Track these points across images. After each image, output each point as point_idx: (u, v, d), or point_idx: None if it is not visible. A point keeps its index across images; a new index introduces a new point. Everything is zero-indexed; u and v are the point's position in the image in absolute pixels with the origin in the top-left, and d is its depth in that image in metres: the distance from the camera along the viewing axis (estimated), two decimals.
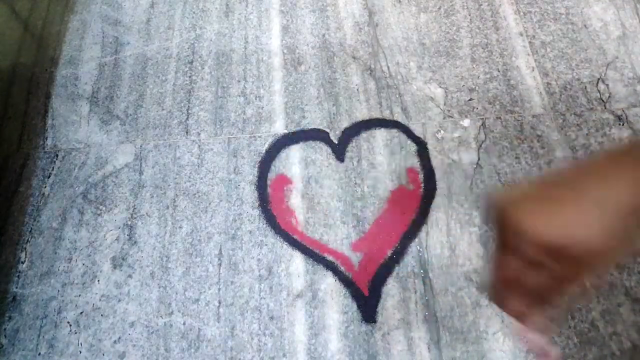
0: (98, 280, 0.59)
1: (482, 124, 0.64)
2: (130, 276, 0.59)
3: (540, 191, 0.25)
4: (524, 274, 0.24)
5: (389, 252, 0.57)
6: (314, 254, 0.58)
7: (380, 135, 0.64)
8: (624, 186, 0.24)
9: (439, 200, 0.59)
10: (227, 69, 0.72)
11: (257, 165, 0.64)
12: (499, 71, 0.68)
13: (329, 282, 0.56)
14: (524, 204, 0.25)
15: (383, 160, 0.63)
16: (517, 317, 0.26)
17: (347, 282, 0.56)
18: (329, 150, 0.64)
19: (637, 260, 0.54)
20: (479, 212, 0.54)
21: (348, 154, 0.63)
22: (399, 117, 0.66)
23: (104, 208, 0.63)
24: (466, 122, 0.64)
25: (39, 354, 0.55)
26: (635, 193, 0.23)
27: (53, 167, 0.67)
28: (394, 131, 0.65)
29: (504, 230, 0.25)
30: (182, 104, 0.70)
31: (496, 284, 0.26)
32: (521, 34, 0.71)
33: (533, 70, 0.68)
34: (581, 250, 0.23)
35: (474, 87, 0.67)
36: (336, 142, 0.64)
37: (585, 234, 0.23)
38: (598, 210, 0.23)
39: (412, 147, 0.63)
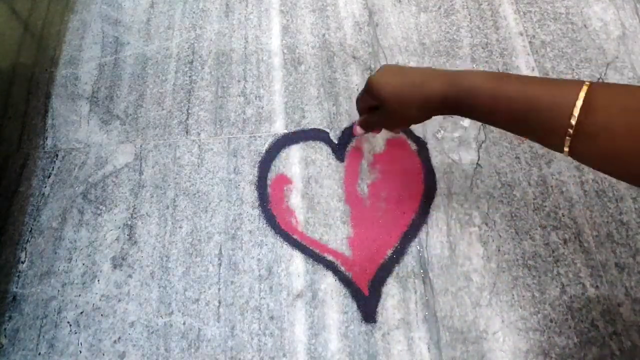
0: (98, 280, 0.59)
1: (482, 124, 0.64)
2: (130, 276, 0.59)
3: (398, 69, 0.45)
4: (366, 107, 0.51)
5: (389, 252, 0.57)
6: (314, 254, 0.58)
7: (379, 135, 0.64)
8: (434, 84, 0.41)
9: (439, 200, 0.59)
10: (227, 68, 0.72)
11: (257, 165, 0.64)
12: (499, 71, 0.68)
13: (329, 282, 0.56)
14: (382, 71, 0.45)
15: (383, 160, 0.63)
16: (355, 128, 0.56)
17: (347, 282, 0.56)
18: (329, 150, 0.64)
19: (637, 260, 0.54)
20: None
21: (348, 154, 0.63)
22: None
23: (104, 208, 0.63)
24: (466, 122, 0.64)
25: (39, 353, 0.55)
26: (437, 92, 0.41)
27: (53, 167, 0.67)
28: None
29: (367, 81, 0.46)
30: (182, 104, 0.70)
31: (359, 107, 0.53)
32: (521, 34, 0.71)
33: (533, 70, 0.68)
34: (389, 107, 0.45)
35: None
36: (336, 142, 0.64)
37: (395, 100, 0.43)
38: (412, 88, 0.42)
39: (412, 147, 0.63)
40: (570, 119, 0.32)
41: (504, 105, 0.36)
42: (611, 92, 0.32)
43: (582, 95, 0.32)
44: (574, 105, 0.31)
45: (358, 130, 0.55)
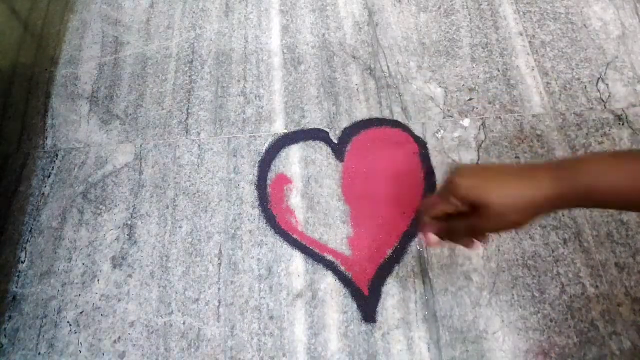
0: (98, 280, 0.59)
1: (482, 124, 0.64)
2: (130, 276, 0.59)
3: (483, 169, 0.38)
4: (445, 212, 0.38)
5: (389, 252, 0.57)
6: (314, 254, 0.58)
7: (380, 134, 0.64)
8: (544, 183, 0.34)
9: None
10: (227, 68, 0.72)
11: (257, 165, 0.64)
12: (499, 71, 0.68)
13: (329, 282, 0.56)
14: (468, 172, 0.37)
15: (383, 160, 0.63)
16: (429, 237, 0.40)
17: (347, 282, 0.56)
18: (329, 150, 0.64)
19: (637, 260, 0.54)
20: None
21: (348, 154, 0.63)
22: (399, 116, 0.66)
23: (104, 208, 0.63)
24: (466, 122, 0.64)
25: (39, 353, 0.55)
26: (549, 192, 0.34)
27: (53, 167, 0.67)
28: (394, 131, 0.65)
29: (449, 184, 0.37)
30: (182, 104, 0.70)
31: (426, 212, 0.39)
32: (521, 34, 0.71)
33: (533, 70, 0.68)
34: (493, 212, 0.35)
35: (474, 86, 0.67)
36: (336, 142, 0.64)
37: (502, 203, 0.35)
38: (519, 190, 0.35)
39: (412, 147, 0.63)
40: None
41: (633, 192, 0.32)
42: None
43: None
44: None
45: (432, 240, 0.41)
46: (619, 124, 0.63)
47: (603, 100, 0.65)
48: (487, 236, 0.41)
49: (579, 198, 0.34)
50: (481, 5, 0.74)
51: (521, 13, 0.73)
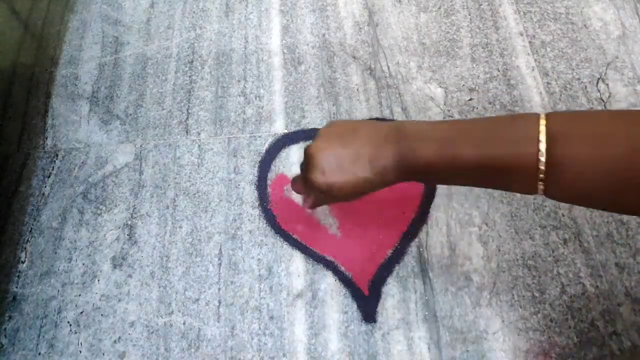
0: (98, 280, 0.59)
1: None
2: (130, 276, 0.59)
3: (329, 153, 0.39)
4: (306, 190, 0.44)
5: (389, 252, 0.57)
6: (314, 254, 0.58)
7: None
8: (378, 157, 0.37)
9: (439, 200, 0.59)
10: (227, 68, 0.72)
11: (257, 165, 0.64)
12: (499, 71, 0.68)
13: (329, 282, 0.56)
14: (318, 162, 0.39)
15: None
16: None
17: (347, 281, 0.56)
18: None
19: (637, 260, 0.54)
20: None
21: None
22: (399, 116, 0.66)
23: (104, 208, 0.63)
24: None
25: (39, 353, 0.55)
26: (381, 166, 0.37)
27: (53, 167, 0.67)
28: None
29: (305, 169, 0.41)
30: (182, 104, 0.70)
31: (295, 185, 0.47)
32: (521, 34, 0.71)
33: (533, 70, 0.68)
34: (330, 194, 0.40)
35: (474, 86, 0.67)
36: None
37: (340, 189, 0.39)
38: (355, 167, 0.38)
39: None
40: (537, 173, 0.29)
41: (468, 174, 0.33)
42: (571, 118, 0.30)
43: (542, 148, 0.29)
44: (538, 161, 0.29)
45: (296, 189, 0.48)
46: None
47: (603, 100, 0.65)
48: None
49: (413, 174, 0.36)
50: (481, 5, 0.74)
51: (521, 13, 0.73)
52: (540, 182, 0.30)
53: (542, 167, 0.29)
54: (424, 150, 0.35)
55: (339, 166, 0.39)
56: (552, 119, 0.30)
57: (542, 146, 0.29)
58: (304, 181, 0.42)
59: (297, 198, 0.61)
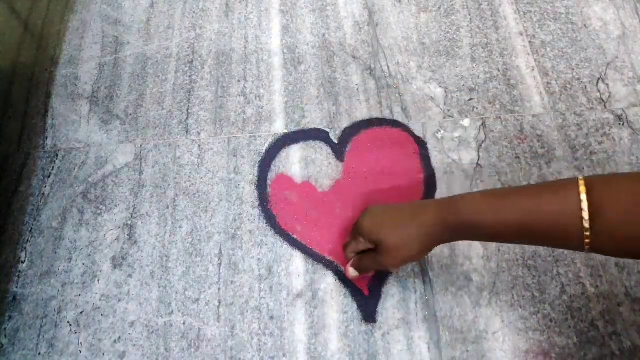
0: (98, 280, 0.59)
1: (482, 124, 0.64)
2: (130, 276, 0.59)
3: (386, 210, 0.46)
4: (359, 250, 0.49)
5: None
6: (314, 254, 0.58)
7: (380, 134, 0.64)
8: (430, 221, 0.41)
9: None
10: (227, 68, 0.72)
11: (257, 165, 0.64)
12: (499, 71, 0.68)
13: (329, 282, 0.56)
14: (372, 213, 0.47)
15: (383, 159, 0.63)
16: (348, 270, 0.52)
17: (347, 281, 0.56)
18: (329, 150, 0.64)
19: (637, 260, 0.54)
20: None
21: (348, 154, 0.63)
22: (399, 116, 0.66)
23: (104, 208, 0.63)
24: (466, 122, 0.64)
25: (39, 353, 0.55)
26: (435, 228, 0.41)
27: (53, 167, 0.67)
28: (394, 131, 0.65)
29: (356, 224, 0.48)
30: (182, 104, 0.70)
31: (347, 252, 0.51)
32: (521, 34, 0.71)
33: (533, 69, 0.68)
34: (387, 248, 0.43)
35: (474, 86, 0.67)
36: (336, 142, 0.64)
37: (394, 241, 0.43)
38: (407, 228, 0.42)
39: (412, 147, 0.63)
40: (582, 222, 0.32)
41: (512, 227, 0.36)
42: (611, 187, 0.33)
43: (584, 197, 0.32)
44: (580, 209, 0.32)
45: (352, 273, 0.51)
46: (619, 123, 0.63)
47: (603, 100, 0.65)
48: (396, 267, 0.51)
49: (463, 232, 0.40)
50: (481, 5, 0.74)
51: (521, 13, 0.73)
52: (586, 232, 0.32)
53: (586, 217, 0.32)
54: (470, 203, 0.39)
55: (396, 217, 0.44)
56: (588, 178, 0.33)
57: (583, 196, 0.32)
58: (355, 236, 0.48)
59: (297, 198, 0.61)
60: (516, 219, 0.36)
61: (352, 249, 0.49)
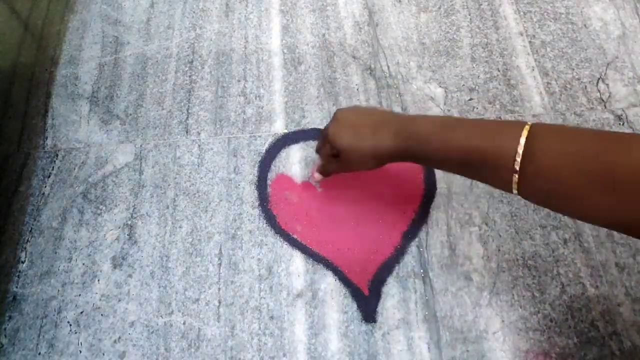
0: (98, 280, 0.59)
1: None
2: (130, 276, 0.59)
3: (352, 119, 0.48)
4: (327, 155, 0.51)
5: (389, 252, 0.57)
6: (314, 254, 0.58)
7: None
8: (386, 137, 0.44)
9: (439, 200, 0.59)
10: (227, 68, 0.72)
11: (257, 165, 0.64)
12: (499, 71, 0.68)
13: (329, 282, 0.56)
14: (339, 120, 0.48)
15: None
16: (313, 173, 0.57)
17: (347, 281, 0.56)
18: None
19: (637, 260, 0.54)
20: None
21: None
22: None
23: (104, 208, 0.63)
24: None
25: (39, 353, 0.55)
26: (389, 145, 0.44)
27: (53, 167, 0.67)
28: None
29: (323, 129, 0.51)
30: (182, 104, 0.70)
31: (320, 154, 0.53)
32: (521, 34, 0.71)
33: (533, 69, 0.68)
34: (345, 156, 0.47)
35: (474, 86, 0.67)
36: None
37: (351, 150, 0.46)
38: (365, 141, 0.45)
39: None
40: (514, 165, 0.33)
41: (453, 155, 0.38)
42: (551, 137, 0.34)
43: (522, 141, 0.33)
44: (516, 152, 0.33)
45: (316, 176, 0.56)
46: (619, 123, 0.63)
47: (603, 100, 0.65)
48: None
49: (409, 150, 0.42)
50: (481, 5, 0.74)
51: (521, 13, 0.73)
52: (515, 175, 0.34)
53: (519, 159, 0.33)
54: (420, 127, 0.41)
55: (358, 130, 0.46)
56: (537, 124, 0.34)
57: (522, 140, 0.33)
58: (324, 142, 0.50)
59: (297, 198, 0.61)
60: (459, 151, 0.38)
61: (324, 152, 0.52)
